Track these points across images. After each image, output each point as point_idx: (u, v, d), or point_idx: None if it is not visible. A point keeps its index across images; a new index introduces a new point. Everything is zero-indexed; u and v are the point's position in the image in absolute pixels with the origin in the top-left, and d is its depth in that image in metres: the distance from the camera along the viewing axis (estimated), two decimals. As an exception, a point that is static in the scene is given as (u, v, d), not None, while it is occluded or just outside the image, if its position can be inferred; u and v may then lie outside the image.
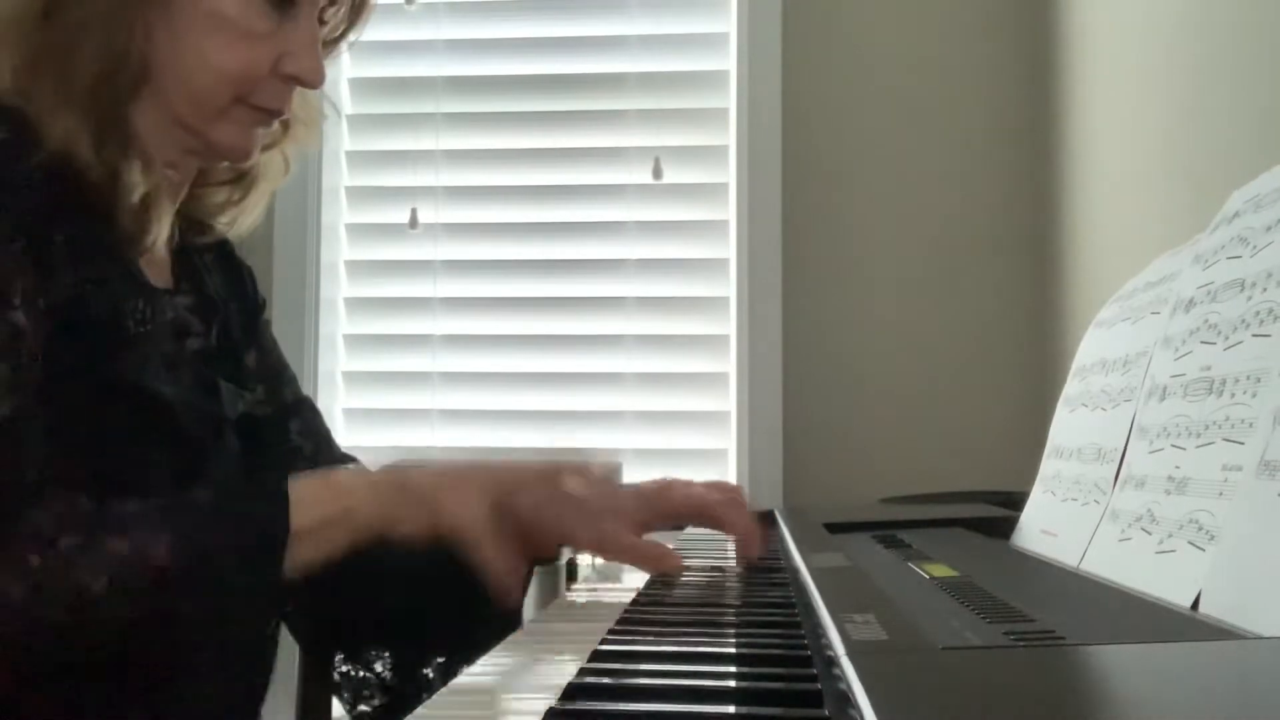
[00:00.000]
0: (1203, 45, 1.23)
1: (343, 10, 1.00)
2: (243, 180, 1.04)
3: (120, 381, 0.85)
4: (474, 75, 2.15)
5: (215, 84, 0.91)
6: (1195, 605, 0.59)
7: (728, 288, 2.03)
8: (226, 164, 1.01)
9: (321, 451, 1.12)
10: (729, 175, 2.04)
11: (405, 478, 0.86)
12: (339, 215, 2.16)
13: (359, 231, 2.16)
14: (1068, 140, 1.79)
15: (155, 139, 0.92)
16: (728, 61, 2.06)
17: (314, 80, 0.96)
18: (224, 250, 1.08)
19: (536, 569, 0.94)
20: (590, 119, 2.11)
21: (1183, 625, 0.58)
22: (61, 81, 0.86)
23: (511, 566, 0.80)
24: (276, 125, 0.99)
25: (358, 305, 2.16)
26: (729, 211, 2.04)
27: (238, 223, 1.06)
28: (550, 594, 1.43)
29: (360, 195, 2.17)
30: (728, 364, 2.02)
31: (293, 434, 1.08)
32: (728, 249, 2.03)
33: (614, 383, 2.06)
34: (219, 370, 0.98)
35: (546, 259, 2.10)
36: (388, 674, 1.05)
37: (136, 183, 0.89)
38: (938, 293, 1.96)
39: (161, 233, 0.93)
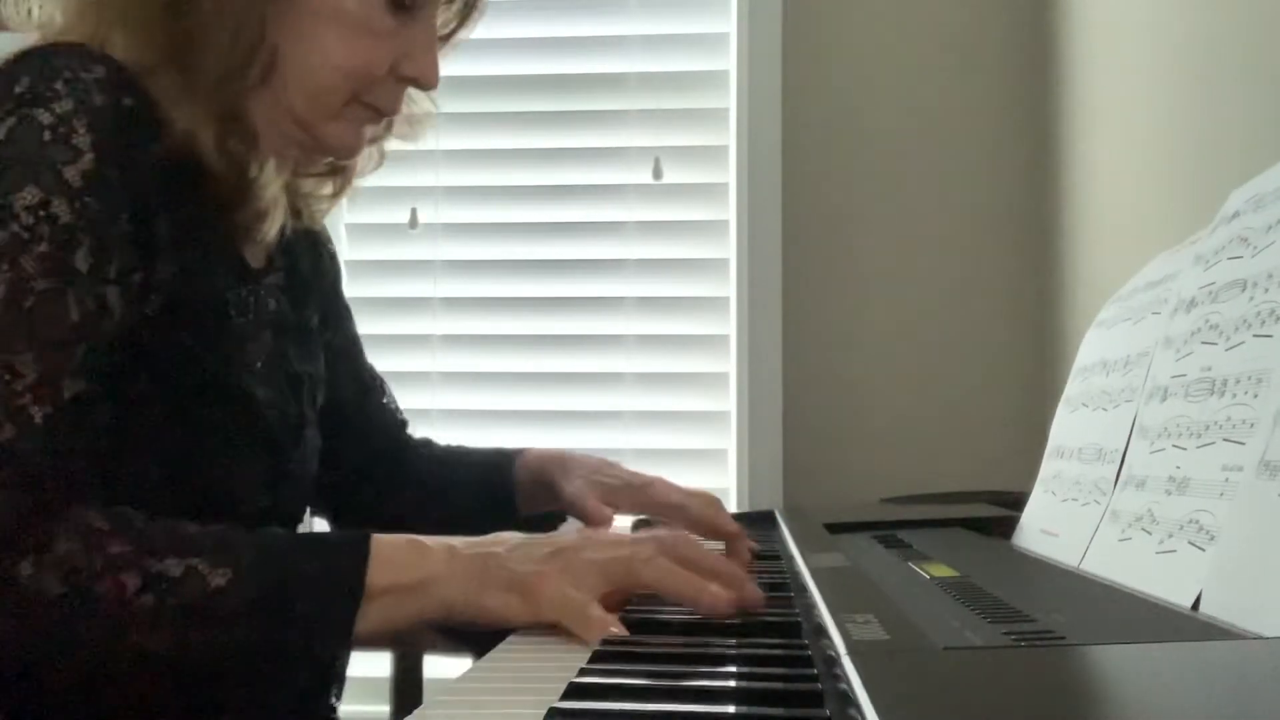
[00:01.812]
0: (1202, 45, 1.23)
1: (454, 8, 1.01)
2: (340, 173, 1.05)
3: (218, 380, 0.85)
4: (474, 75, 2.15)
5: (336, 81, 0.91)
6: (1195, 605, 0.59)
7: (728, 288, 2.03)
8: (324, 159, 1.01)
9: (367, 402, 1.20)
10: (729, 175, 2.04)
11: (489, 551, 0.78)
12: (339, 215, 2.15)
13: (359, 231, 2.16)
14: (1068, 140, 1.79)
15: (266, 132, 0.91)
16: (728, 61, 2.06)
17: (430, 82, 0.96)
18: (312, 235, 1.11)
19: None
20: (590, 119, 2.11)
21: (1183, 625, 0.58)
22: (188, 72, 0.85)
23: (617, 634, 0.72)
24: (382, 123, 0.99)
25: (358, 305, 2.14)
26: (729, 211, 2.03)
27: (327, 213, 1.08)
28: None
29: (360, 195, 2.15)
30: (728, 364, 2.02)
31: (372, 416, 1.16)
32: (728, 249, 2.03)
33: (614, 383, 2.06)
34: (304, 358, 0.98)
35: (546, 259, 2.10)
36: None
37: (268, 182, 0.90)
38: (938, 293, 1.96)
39: (276, 225, 0.93)
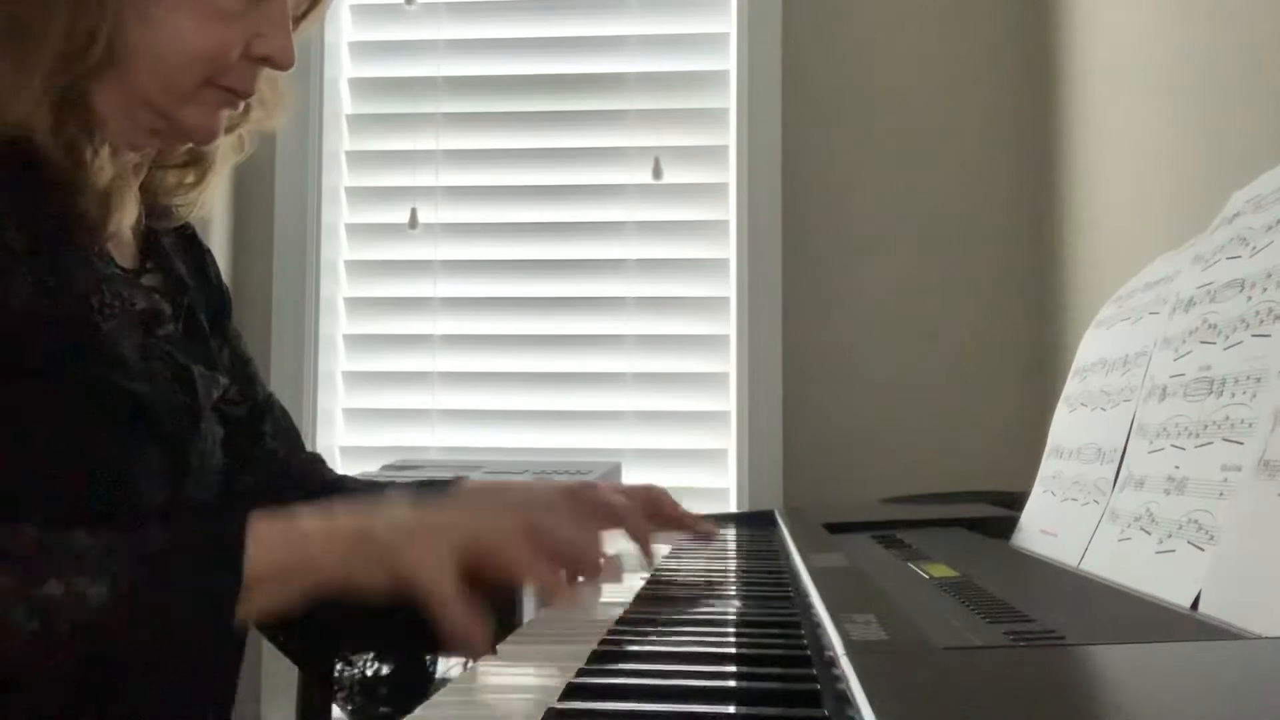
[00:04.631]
0: (1202, 45, 1.23)
1: None
2: (200, 162, 1.02)
3: (95, 382, 0.83)
4: (474, 75, 2.15)
5: (188, 64, 0.89)
6: (1195, 605, 0.59)
7: (728, 288, 2.03)
8: (184, 146, 0.99)
9: (293, 453, 1.10)
10: (729, 175, 2.04)
11: (371, 526, 0.80)
12: (339, 215, 2.16)
13: (359, 231, 2.16)
14: (1067, 140, 1.79)
15: (118, 121, 0.89)
16: (728, 61, 2.06)
17: (286, 61, 0.94)
18: (186, 234, 1.06)
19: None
20: (590, 119, 2.11)
21: (1183, 625, 0.58)
22: (21, 61, 0.83)
23: (471, 618, 0.75)
24: (240, 107, 0.97)
25: (358, 305, 2.16)
26: (729, 211, 2.04)
27: (197, 204, 1.04)
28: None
29: (360, 195, 2.17)
30: (728, 364, 2.02)
31: (267, 436, 1.06)
32: (728, 249, 2.03)
33: (614, 383, 2.06)
34: (190, 355, 0.96)
35: (546, 259, 2.10)
36: (385, 672, 1.04)
37: (102, 167, 0.88)
38: (937, 293, 1.96)
39: (126, 217, 0.91)
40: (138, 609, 0.72)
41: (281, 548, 0.78)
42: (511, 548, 0.79)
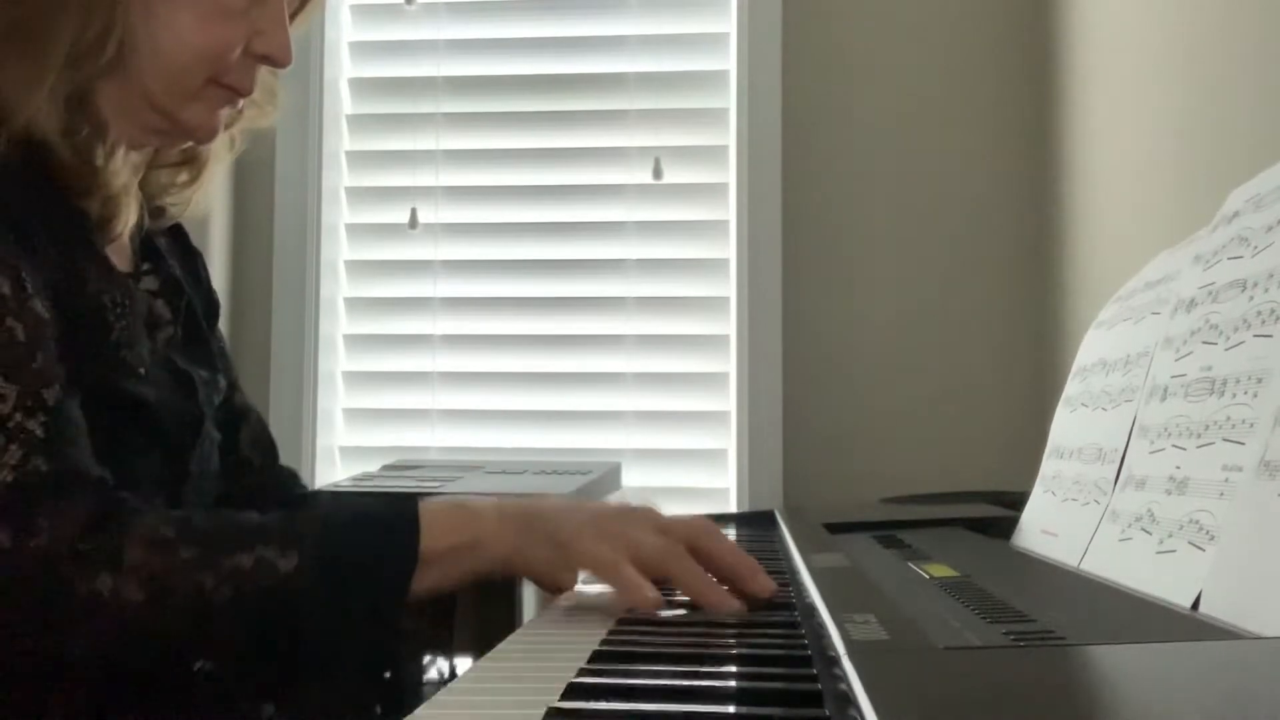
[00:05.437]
0: (1203, 45, 1.23)
1: None
2: (194, 161, 1.02)
3: (104, 385, 0.84)
4: (474, 75, 2.15)
5: (191, 63, 0.90)
6: (1195, 605, 0.59)
7: (728, 288, 2.03)
8: (184, 145, 1.00)
9: (267, 464, 1.10)
10: (729, 175, 2.04)
11: (534, 510, 0.84)
12: (339, 215, 2.16)
13: (359, 231, 2.16)
14: (1068, 140, 1.79)
15: (121, 120, 0.90)
16: (728, 61, 2.06)
17: (284, 59, 0.95)
18: (177, 234, 1.07)
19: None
20: (590, 119, 2.11)
21: (1183, 625, 0.58)
22: (31, 61, 0.84)
23: (650, 587, 0.78)
24: (239, 105, 0.98)
25: (358, 305, 2.16)
26: (729, 211, 2.04)
27: (190, 204, 1.04)
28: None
29: (360, 195, 2.17)
30: (728, 364, 2.02)
31: (243, 445, 1.07)
32: (728, 249, 2.03)
33: (614, 383, 2.06)
34: (191, 360, 0.96)
35: (546, 259, 2.10)
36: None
37: (117, 170, 0.88)
38: (938, 292, 1.96)
39: (131, 218, 0.92)
40: (321, 579, 0.76)
41: (453, 527, 0.81)
42: (688, 574, 0.80)
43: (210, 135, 0.96)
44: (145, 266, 0.98)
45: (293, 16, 0.99)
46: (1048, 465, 0.97)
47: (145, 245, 0.99)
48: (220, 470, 1.00)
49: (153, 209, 1.01)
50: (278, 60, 0.95)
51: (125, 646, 0.73)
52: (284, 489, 1.12)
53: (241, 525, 0.77)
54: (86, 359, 0.83)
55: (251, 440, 1.08)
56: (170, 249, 1.04)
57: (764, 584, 0.80)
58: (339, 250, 2.15)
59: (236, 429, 1.06)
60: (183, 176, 1.03)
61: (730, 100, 2.04)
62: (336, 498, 1.22)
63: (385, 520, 0.81)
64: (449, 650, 1.04)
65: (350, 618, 0.78)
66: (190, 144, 0.99)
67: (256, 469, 1.08)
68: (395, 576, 0.78)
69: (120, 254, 0.94)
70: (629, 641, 0.68)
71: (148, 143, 0.95)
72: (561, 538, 0.82)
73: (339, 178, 2.15)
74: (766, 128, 1.99)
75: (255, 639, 0.76)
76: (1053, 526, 0.89)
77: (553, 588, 0.86)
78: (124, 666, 0.75)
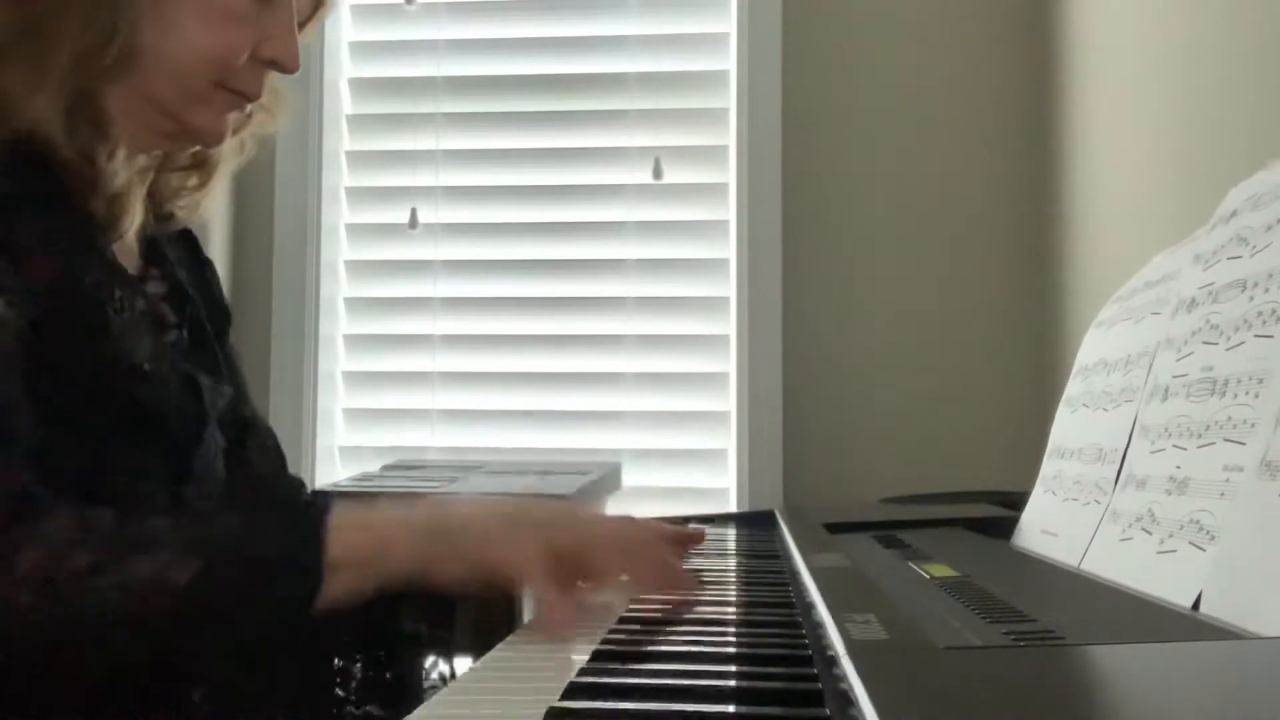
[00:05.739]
0: (1203, 44, 1.23)
1: None
2: (203, 165, 1.03)
3: (104, 384, 0.84)
4: (474, 75, 2.15)
5: (199, 66, 0.90)
6: (1196, 605, 0.59)
7: (728, 288, 2.03)
8: (193, 149, 1.00)
9: (277, 476, 1.10)
10: (729, 175, 2.04)
11: (444, 520, 0.83)
12: (339, 215, 2.16)
13: (359, 231, 2.16)
14: (1068, 140, 1.79)
15: (129, 123, 0.90)
16: (728, 61, 2.06)
17: (292, 65, 0.95)
18: (189, 242, 1.07)
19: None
20: (590, 119, 2.11)
21: (1183, 625, 0.58)
22: (36, 62, 0.84)
23: (568, 605, 0.78)
24: (246, 110, 0.98)
25: (358, 305, 2.16)
26: (729, 211, 2.03)
27: (198, 208, 1.04)
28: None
29: (360, 195, 2.17)
30: (728, 364, 2.02)
31: (249, 454, 1.06)
32: (728, 249, 2.03)
33: (614, 383, 2.06)
34: (196, 363, 0.96)
35: (546, 259, 2.10)
36: (384, 670, 1.04)
37: (116, 171, 0.88)
38: (938, 292, 1.96)
39: (135, 219, 0.92)
40: (220, 590, 0.75)
41: (359, 537, 0.80)
42: (602, 551, 0.81)
43: (218, 139, 0.96)
44: (152, 270, 0.98)
45: (302, 25, 0.99)
46: (1048, 465, 0.97)
47: (152, 249, 0.99)
48: (226, 477, 1.00)
49: (162, 213, 1.01)
50: (285, 66, 0.95)
51: (16, 651, 0.72)
52: (290, 499, 1.12)
53: (147, 530, 0.76)
54: (85, 355, 0.83)
55: (259, 450, 1.08)
56: (180, 257, 1.04)
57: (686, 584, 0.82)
58: (339, 250, 2.15)
59: (244, 439, 1.05)
60: (193, 180, 1.03)
61: (730, 100, 2.04)
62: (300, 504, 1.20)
63: (289, 529, 0.80)
64: (449, 650, 1.04)
65: (249, 624, 0.77)
66: (199, 148, 0.99)
67: (262, 479, 1.07)
68: (296, 590, 0.76)
69: (126, 255, 0.94)
70: (629, 641, 0.68)
71: (156, 146, 0.96)
72: (466, 547, 0.81)
73: (339, 178, 2.15)
74: (766, 128, 1.99)
75: (150, 646, 0.75)
76: (1053, 526, 0.89)
77: (503, 592, 0.85)
78: (16, 671, 0.74)
